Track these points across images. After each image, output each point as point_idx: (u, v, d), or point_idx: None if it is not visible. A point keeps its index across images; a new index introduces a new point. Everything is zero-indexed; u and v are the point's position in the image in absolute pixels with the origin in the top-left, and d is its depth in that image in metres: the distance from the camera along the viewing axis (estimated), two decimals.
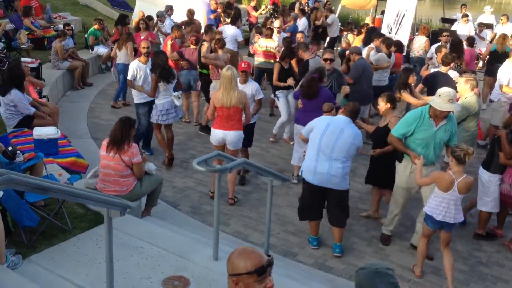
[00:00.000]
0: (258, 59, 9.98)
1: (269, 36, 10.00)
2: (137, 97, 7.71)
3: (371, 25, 12.92)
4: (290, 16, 13.29)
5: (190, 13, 11.75)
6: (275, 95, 8.59)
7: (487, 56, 11.86)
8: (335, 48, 14.67)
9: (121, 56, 9.75)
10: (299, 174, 5.51)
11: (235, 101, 6.15)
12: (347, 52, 9.14)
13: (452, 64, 7.74)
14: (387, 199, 6.14)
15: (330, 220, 5.52)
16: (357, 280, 2.29)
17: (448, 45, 9.98)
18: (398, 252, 5.68)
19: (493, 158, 5.75)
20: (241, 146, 6.50)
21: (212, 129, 6.43)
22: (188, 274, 4.29)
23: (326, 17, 14.87)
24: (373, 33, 10.73)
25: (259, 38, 10.21)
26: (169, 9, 12.73)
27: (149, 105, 7.65)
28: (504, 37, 10.58)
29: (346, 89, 7.18)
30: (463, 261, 5.56)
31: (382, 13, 14.69)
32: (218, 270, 4.27)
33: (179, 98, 7.33)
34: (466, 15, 14.64)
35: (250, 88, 6.80)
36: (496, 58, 10.28)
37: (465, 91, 6.30)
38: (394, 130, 5.38)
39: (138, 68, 7.55)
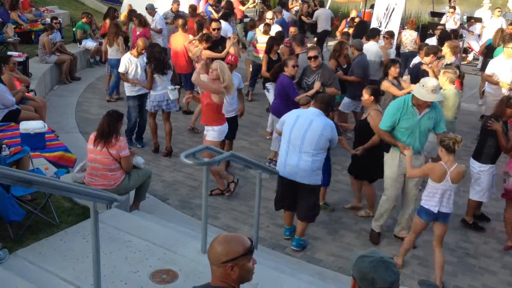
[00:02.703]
0: (256, 55, 9.99)
1: (267, 32, 9.99)
2: (128, 89, 7.80)
3: (355, 17, 12.96)
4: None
5: (192, 9, 11.65)
6: (264, 87, 8.58)
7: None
8: (325, 44, 14.70)
9: (112, 52, 9.67)
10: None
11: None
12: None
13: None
14: (367, 193, 6.19)
15: (297, 213, 5.41)
16: (360, 267, 2.21)
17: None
18: (387, 244, 5.69)
19: (483, 148, 5.79)
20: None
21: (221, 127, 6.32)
22: (176, 267, 4.28)
23: (312, 12, 14.85)
24: (363, 27, 10.74)
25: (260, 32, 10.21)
26: (175, 3, 12.39)
27: (140, 98, 7.79)
28: (501, 31, 10.61)
29: (317, 85, 7.03)
30: (450, 252, 5.58)
31: (372, 7, 14.70)
32: (207, 263, 4.22)
33: (174, 90, 7.34)
34: (454, 8, 14.68)
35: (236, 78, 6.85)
36: (492, 52, 10.28)
37: (443, 83, 6.36)
38: (381, 124, 5.38)
39: (129, 61, 7.62)
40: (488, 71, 8.56)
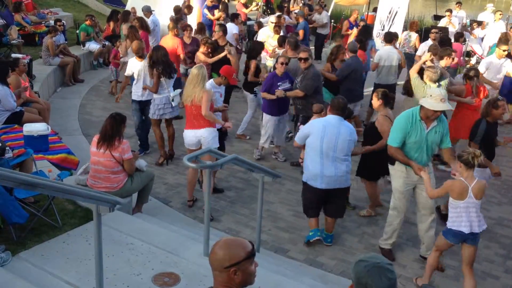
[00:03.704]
0: (269, 58, 9.99)
1: (278, 32, 9.99)
2: (133, 93, 7.70)
3: (358, 18, 13.03)
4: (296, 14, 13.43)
5: (174, 10, 11.62)
6: (253, 92, 8.39)
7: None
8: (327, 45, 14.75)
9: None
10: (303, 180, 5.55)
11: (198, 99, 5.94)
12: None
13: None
14: (369, 192, 6.23)
15: (329, 213, 5.60)
16: (356, 271, 2.23)
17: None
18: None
19: None
20: (217, 144, 6.24)
21: (184, 131, 6.25)
22: (179, 270, 4.28)
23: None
24: (366, 31, 10.73)
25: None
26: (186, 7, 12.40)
27: (141, 104, 7.66)
28: (505, 35, 10.60)
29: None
30: (452, 256, 5.56)
31: (375, 10, 14.72)
32: (209, 266, 4.25)
33: (176, 95, 7.24)
34: (450, 10, 14.66)
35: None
36: None
37: (424, 80, 6.47)
38: (390, 141, 5.12)
39: (134, 65, 7.63)
40: (480, 68, 8.77)
